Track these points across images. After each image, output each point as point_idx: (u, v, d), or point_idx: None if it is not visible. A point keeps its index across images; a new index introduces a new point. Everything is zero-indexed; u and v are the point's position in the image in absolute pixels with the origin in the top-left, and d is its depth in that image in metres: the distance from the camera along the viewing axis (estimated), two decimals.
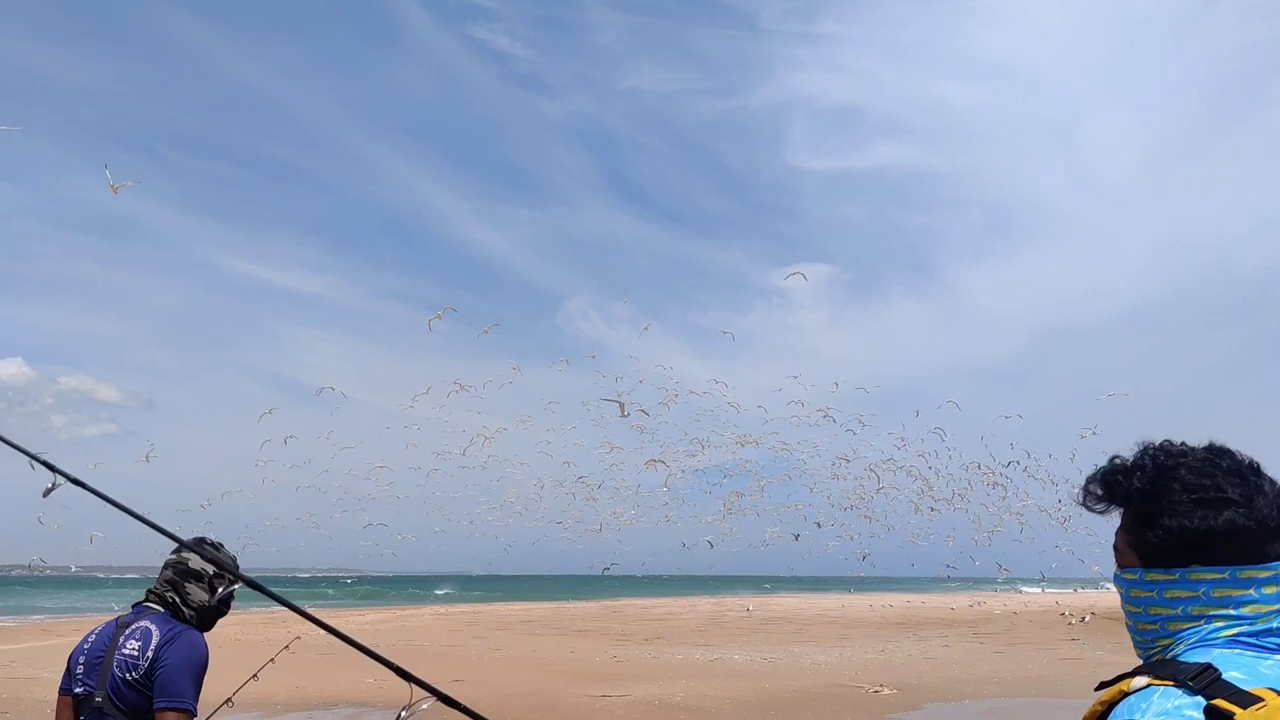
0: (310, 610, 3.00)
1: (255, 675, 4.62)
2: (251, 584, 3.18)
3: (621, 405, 19.83)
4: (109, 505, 3.00)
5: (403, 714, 2.91)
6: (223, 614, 3.76)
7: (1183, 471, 1.44)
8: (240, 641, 25.41)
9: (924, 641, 26.49)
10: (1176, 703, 1.27)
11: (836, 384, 29.04)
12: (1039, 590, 67.76)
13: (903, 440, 27.32)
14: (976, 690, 15.85)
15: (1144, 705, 1.29)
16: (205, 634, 3.66)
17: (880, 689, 16.08)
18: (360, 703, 14.75)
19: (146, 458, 25.67)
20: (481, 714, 2.73)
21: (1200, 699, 1.26)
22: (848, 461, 27.96)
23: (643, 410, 20.84)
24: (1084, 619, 32.05)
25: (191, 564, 3.66)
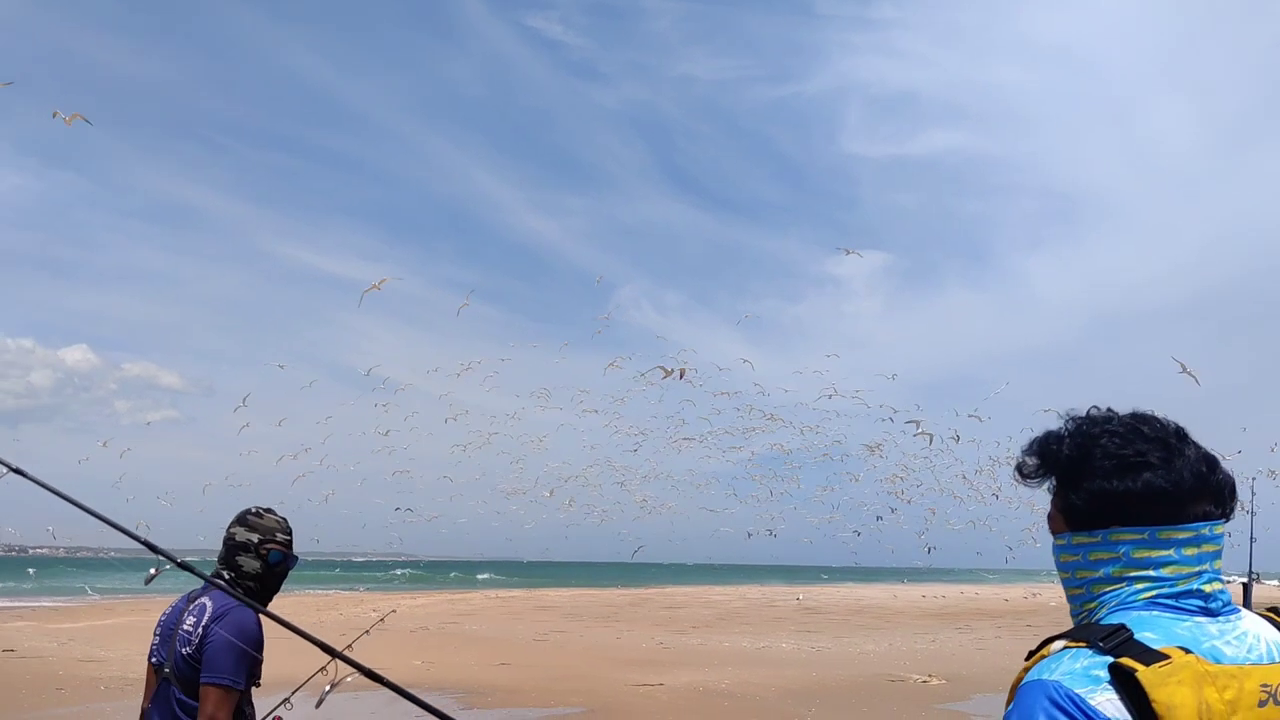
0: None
1: (324, 668, 4.60)
2: (185, 566, 3.22)
3: (670, 370, 19.68)
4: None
5: (327, 689, 2.97)
6: (279, 580, 3.74)
7: (1105, 438, 1.48)
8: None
9: (975, 632, 26.17)
10: (1085, 663, 1.31)
11: (894, 375, 28.57)
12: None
13: (957, 434, 26.90)
14: None
15: (1054, 665, 1.33)
16: (266, 604, 3.64)
17: (929, 679, 15.88)
18: (406, 684, 14.71)
19: (241, 428, 26.24)
20: (407, 689, 3.04)
21: (1108, 658, 1.30)
22: (902, 452, 27.65)
23: (689, 368, 20.59)
24: None
25: (237, 537, 3.67)
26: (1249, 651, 1.36)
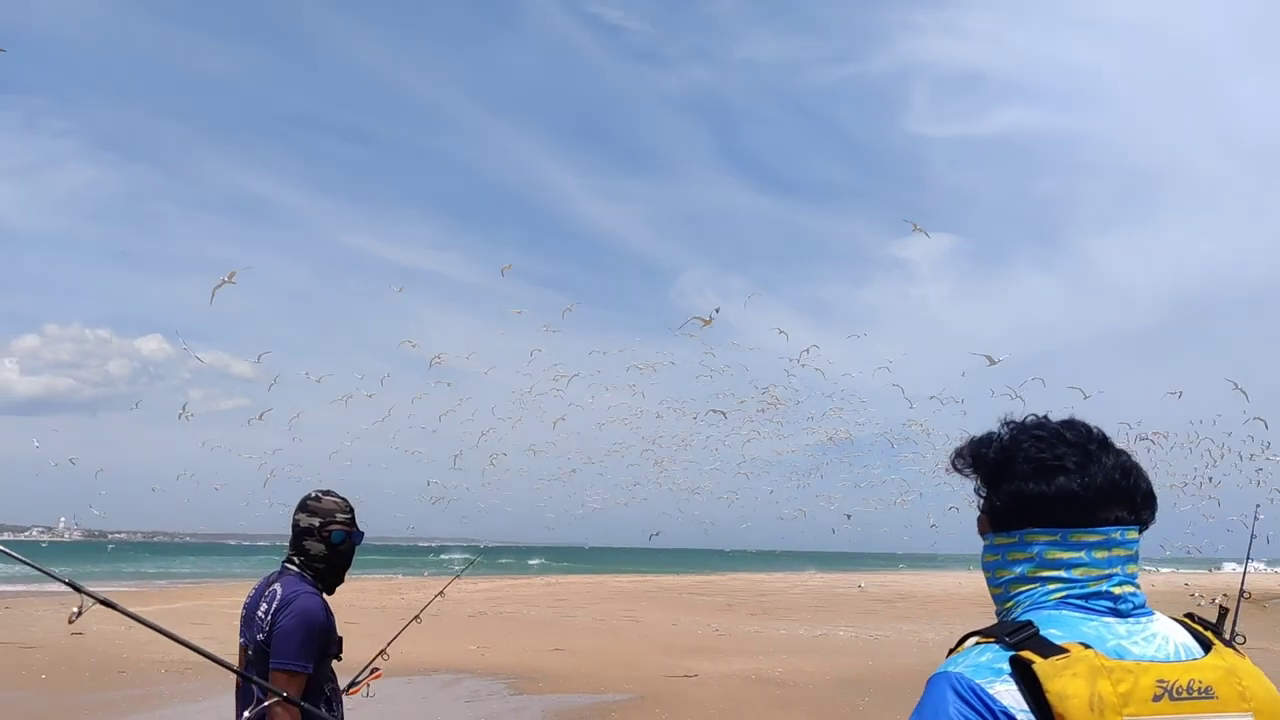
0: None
1: (382, 651, 4.78)
2: (106, 603, 3.25)
3: (707, 319, 19.41)
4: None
5: (74, 612, 3.04)
6: (346, 558, 3.89)
7: (1027, 443, 1.56)
8: (355, 607, 26.19)
9: None
10: (989, 656, 1.39)
11: (988, 355, 27.61)
12: (1170, 569, 65.12)
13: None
14: None
15: (962, 659, 1.41)
16: (338, 581, 3.87)
17: None
18: (459, 669, 14.95)
19: (346, 401, 26.61)
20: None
21: (1011, 652, 1.38)
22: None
23: (715, 311, 20.36)
24: (1214, 600, 30.52)
25: (301, 523, 3.83)
26: (1156, 650, 1.42)
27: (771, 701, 12.16)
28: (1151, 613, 1.51)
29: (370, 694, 4.55)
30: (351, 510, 3.94)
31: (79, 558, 73.18)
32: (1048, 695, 1.32)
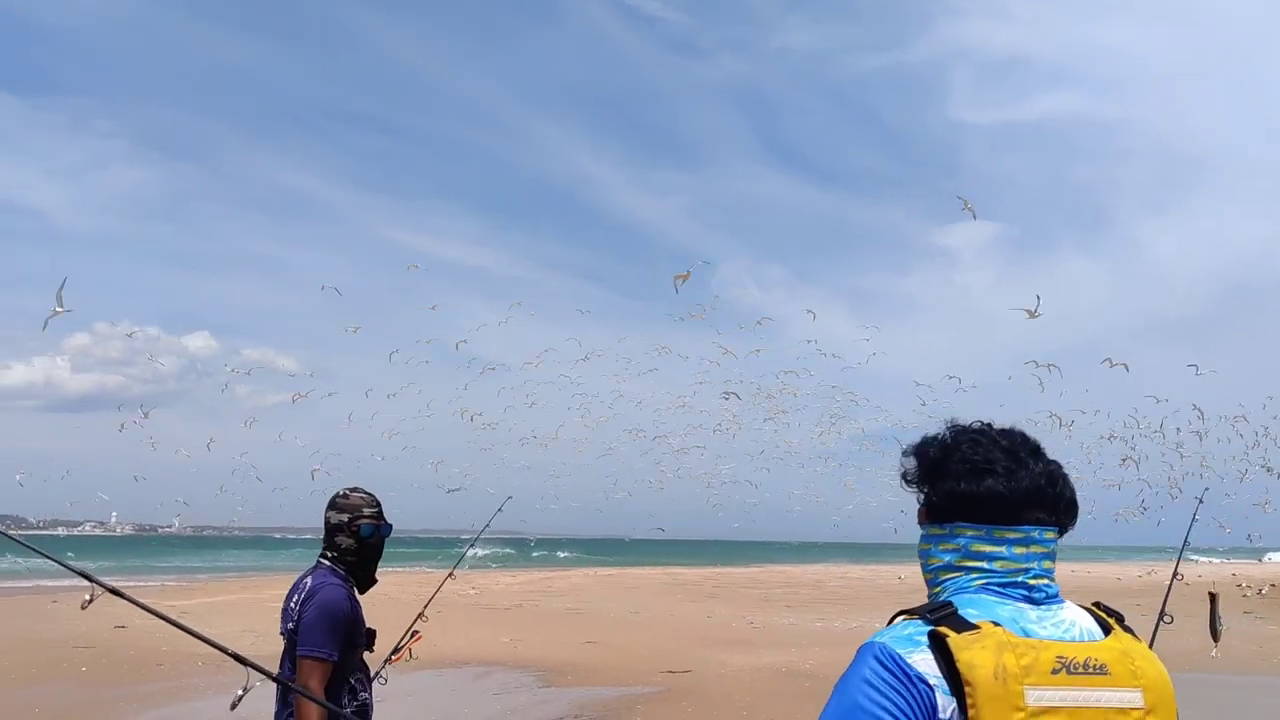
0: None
1: (404, 642, 5.00)
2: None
3: (684, 274, 18.28)
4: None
5: (239, 693, 3.12)
6: (376, 550, 4.08)
7: (964, 446, 1.74)
8: (390, 599, 26.40)
9: None
10: (911, 630, 1.56)
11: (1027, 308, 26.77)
12: (1220, 559, 64.04)
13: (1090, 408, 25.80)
14: None
15: (887, 632, 1.59)
16: (371, 573, 4.07)
17: None
18: (491, 662, 15.05)
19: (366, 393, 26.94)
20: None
21: (930, 626, 1.55)
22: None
23: (703, 263, 19.11)
24: (1261, 591, 30.00)
25: (331, 520, 4.02)
26: (1064, 632, 1.60)
27: (801, 694, 12.12)
28: (1063, 602, 1.68)
29: (413, 657, 4.92)
30: (378, 505, 4.11)
31: (125, 551, 74.57)
32: (958, 664, 1.50)
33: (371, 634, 4.02)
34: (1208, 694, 12.94)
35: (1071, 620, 1.64)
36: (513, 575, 44.87)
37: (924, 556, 1.76)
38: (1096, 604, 1.73)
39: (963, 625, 1.54)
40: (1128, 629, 1.66)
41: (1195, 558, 67.37)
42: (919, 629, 1.56)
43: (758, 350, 27.53)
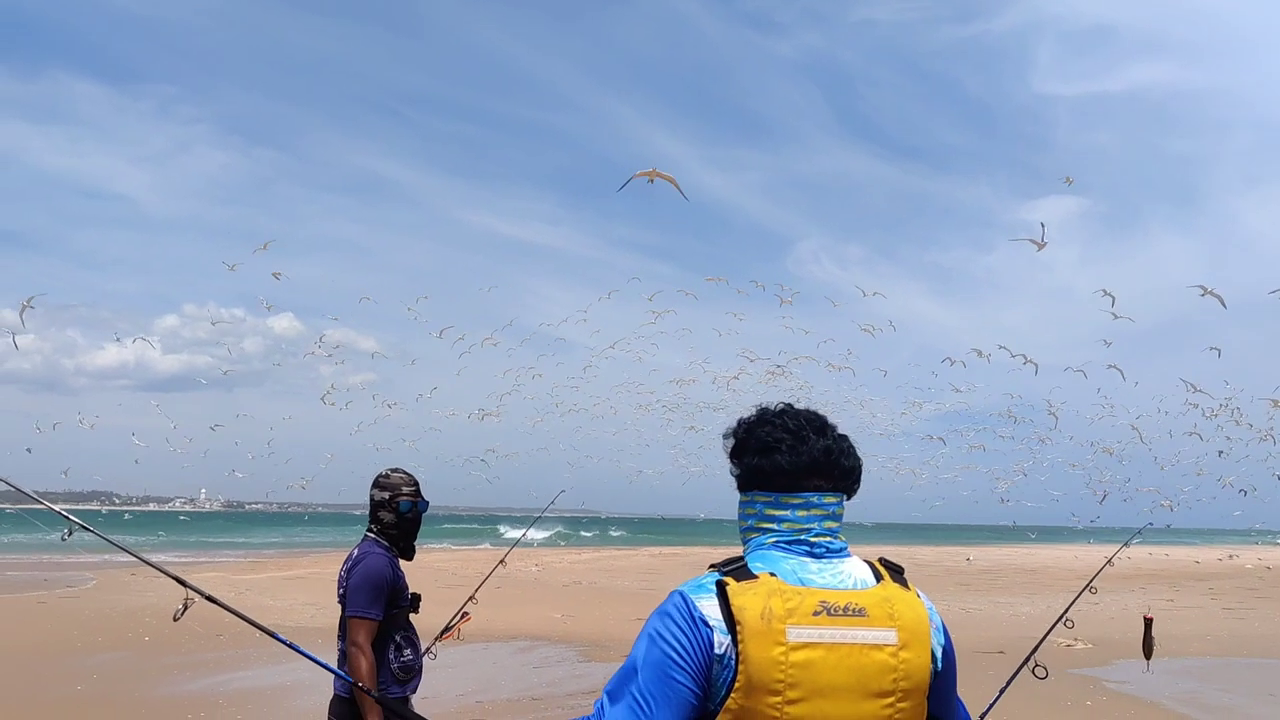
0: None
1: (462, 612, 5.36)
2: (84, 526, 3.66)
3: (650, 175, 16.57)
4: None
5: (179, 609, 3.35)
6: (415, 524, 4.50)
7: (761, 427, 2.01)
8: (453, 575, 26.90)
9: (1148, 595, 24.75)
10: (705, 580, 1.84)
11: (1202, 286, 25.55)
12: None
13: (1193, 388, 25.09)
14: (1180, 648, 14.66)
15: (691, 581, 1.86)
16: (411, 543, 4.52)
17: (1074, 643, 15.15)
18: (538, 636, 15.29)
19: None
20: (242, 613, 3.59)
21: (720, 575, 1.83)
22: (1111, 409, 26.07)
23: (678, 189, 17.15)
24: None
25: (374, 498, 4.46)
26: (839, 582, 1.85)
27: None
28: (847, 556, 1.93)
29: (460, 637, 5.27)
30: (416, 483, 4.53)
31: (211, 528, 76.95)
32: (732, 608, 1.76)
33: (416, 598, 4.47)
34: (1243, 675, 12.64)
35: (849, 572, 1.89)
36: (578, 553, 45.35)
37: (739, 520, 2.03)
38: (881, 559, 1.96)
39: (745, 576, 1.81)
40: (901, 581, 1.90)
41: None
42: (711, 579, 1.84)
43: (828, 340, 27.32)
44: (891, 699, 1.78)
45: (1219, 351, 24.31)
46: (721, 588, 1.79)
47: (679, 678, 1.76)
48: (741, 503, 2.01)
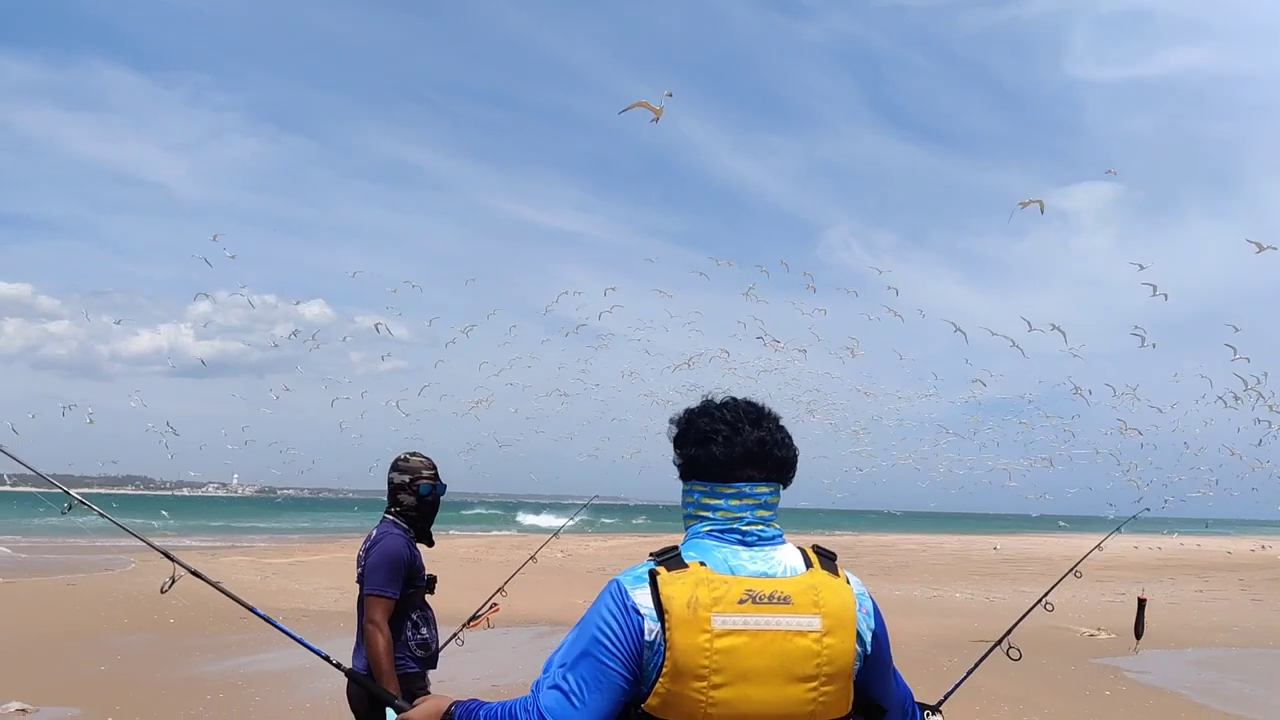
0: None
1: (490, 602, 5.46)
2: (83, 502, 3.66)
3: (654, 107, 15.75)
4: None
5: (165, 582, 3.35)
6: (434, 507, 4.59)
7: (700, 419, 2.06)
8: (479, 562, 27.02)
9: (1175, 585, 24.51)
10: (640, 570, 1.90)
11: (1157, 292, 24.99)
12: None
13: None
14: (1205, 639, 14.53)
15: (629, 570, 1.93)
16: (429, 525, 4.60)
17: (1097, 632, 15.06)
18: (558, 622, 15.34)
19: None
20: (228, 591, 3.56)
21: (653, 565, 1.88)
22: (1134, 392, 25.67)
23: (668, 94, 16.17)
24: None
25: (394, 480, 4.54)
26: (770, 570, 1.91)
27: None
28: (780, 543, 1.99)
29: (490, 626, 5.46)
30: (434, 467, 4.60)
31: (242, 512, 77.78)
32: (661, 597, 1.82)
33: (432, 579, 4.57)
34: (1270, 665, 12.49)
35: (780, 559, 1.95)
36: (603, 540, 45.44)
37: (682, 509, 2.10)
38: (815, 547, 2.03)
39: (676, 565, 1.87)
40: (830, 568, 1.95)
41: None
42: (645, 568, 1.90)
43: (862, 315, 27.11)
44: (815, 683, 1.84)
45: (1235, 328, 23.54)
46: (653, 576, 1.85)
47: (610, 663, 1.84)
48: (683, 491, 2.08)
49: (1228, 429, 25.37)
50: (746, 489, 1.99)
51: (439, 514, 4.68)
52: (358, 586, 4.40)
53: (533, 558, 6.46)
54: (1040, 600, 4.42)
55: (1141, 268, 22.28)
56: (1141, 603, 13.72)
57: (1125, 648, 13.68)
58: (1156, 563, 34.36)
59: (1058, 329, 23.62)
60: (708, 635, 1.79)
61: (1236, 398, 23.59)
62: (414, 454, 4.62)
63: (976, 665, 4.03)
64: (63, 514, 3.69)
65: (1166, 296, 20.93)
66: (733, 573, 1.88)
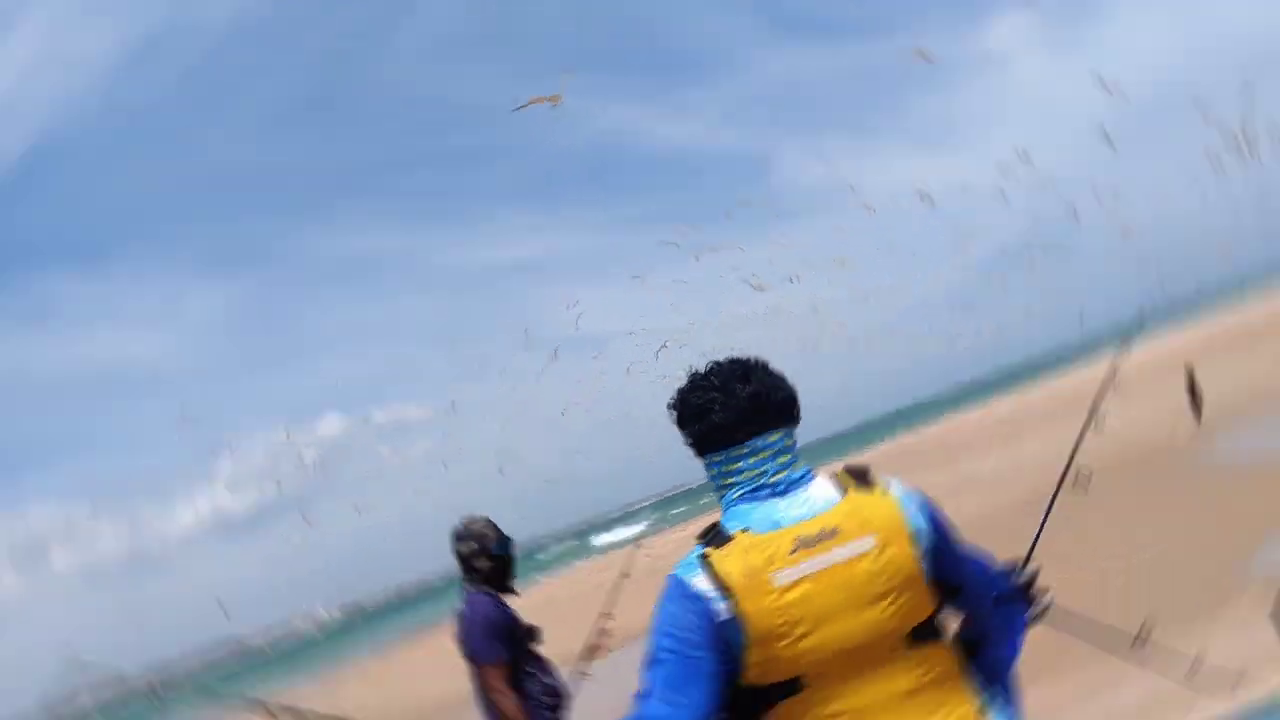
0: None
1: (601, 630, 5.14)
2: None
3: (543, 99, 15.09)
4: None
5: None
6: (510, 563, 4.55)
7: (690, 394, 2.10)
8: (576, 598, 27.12)
9: (1228, 360, 24.24)
10: (691, 559, 1.92)
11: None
12: None
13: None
14: None
15: (682, 561, 1.94)
16: (509, 581, 4.52)
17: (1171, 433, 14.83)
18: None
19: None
20: None
21: (702, 548, 1.93)
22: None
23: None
24: None
25: (463, 551, 4.48)
26: (806, 511, 1.94)
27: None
28: (809, 480, 2.02)
29: (610, 651, 5.03)
30: (495, 524, 4.54)
31: (336, 638, 77.62)
32: (719, 576, 1.86)
33: (534, 629, 4.46)
34: None
35: (813, 496, 1.98)
36: (682, 529, 44.93)
37: (711, 485, 2.14)
38: (845, 468, 2.05)
39: (722, 540, 1.92)
40: (865, 485, 1.98)
41: None
42: (695, 554, 1.93)
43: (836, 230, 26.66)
44: (889, 598, 1.88)
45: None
46: (705, 559, 1.88)
47: (695, 654, 1.85)
48: (704, 467, 2.11)
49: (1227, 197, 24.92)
50: (760, 443, 2.02)
51: (519, 566, 4.63)
52: (469, 664, 4.34)
53: (626, 575, 6.14)
54: (1089, 422, 3.53)
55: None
56: (1190, 372, 12.70)
57: (1193, 438, 13.54)
58: (1198, 346, 33.91)
59: (1023, 155, 23.21)
60: (774, 595, 1.84)
61: (1220, 157, 22.89)
62: (470, 519, 4.55)
63: (1048, 511, 3.36)
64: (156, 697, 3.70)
65: (1120, 89, 20.51)
66: (776, 526, 1.91)
